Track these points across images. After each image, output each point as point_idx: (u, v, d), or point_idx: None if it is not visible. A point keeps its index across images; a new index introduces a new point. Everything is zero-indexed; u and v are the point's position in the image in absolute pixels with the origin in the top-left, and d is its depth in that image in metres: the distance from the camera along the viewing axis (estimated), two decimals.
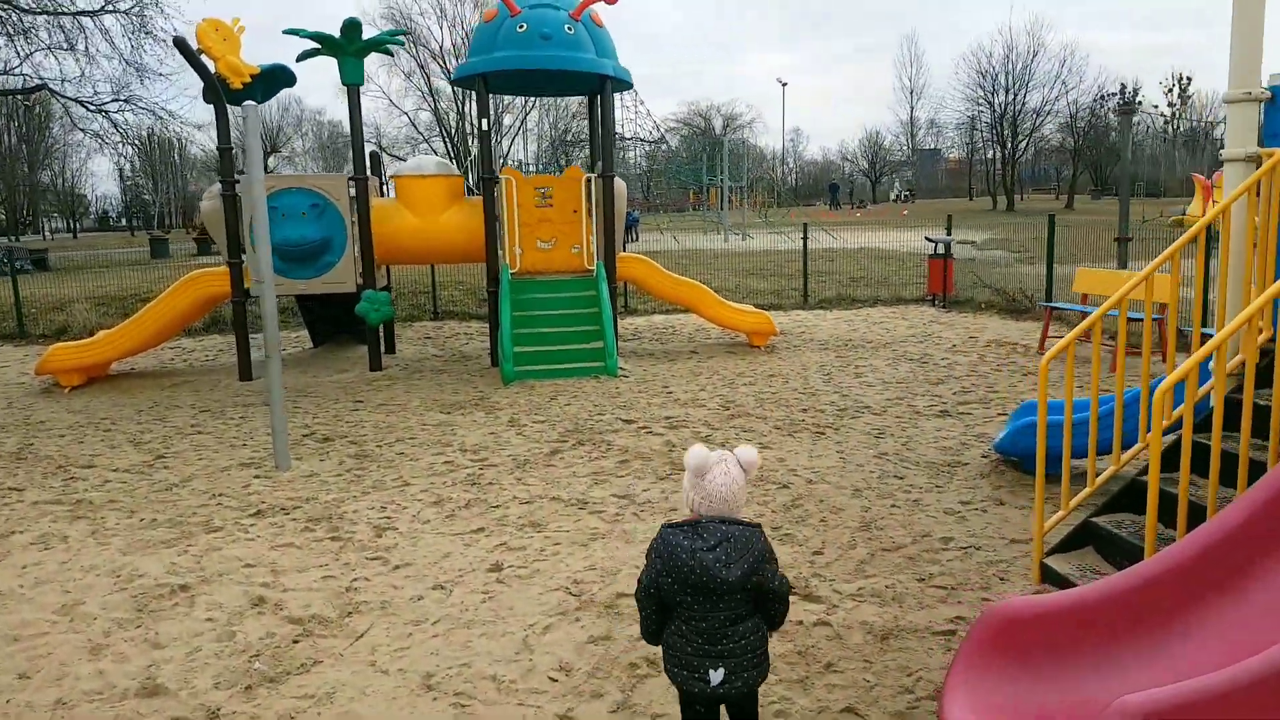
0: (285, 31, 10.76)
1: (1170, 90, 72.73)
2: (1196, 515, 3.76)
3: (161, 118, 31.54)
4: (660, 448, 7.27)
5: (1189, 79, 74.37)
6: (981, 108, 64.43)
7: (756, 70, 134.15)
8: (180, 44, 9.88)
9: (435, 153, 54.19)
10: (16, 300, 15.37)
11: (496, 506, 5.94)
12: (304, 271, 11.00)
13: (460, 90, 49.13)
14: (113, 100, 30.16)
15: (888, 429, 7.71)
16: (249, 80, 10.43)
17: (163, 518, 5.90)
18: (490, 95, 12.00)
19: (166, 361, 12.45)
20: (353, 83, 10.92)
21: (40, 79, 29.93)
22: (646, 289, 12.44)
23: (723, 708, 2.90)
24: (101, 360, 11.02)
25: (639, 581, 2.81)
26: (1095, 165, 70.55)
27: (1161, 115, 70.27)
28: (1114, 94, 66.97)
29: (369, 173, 11.67)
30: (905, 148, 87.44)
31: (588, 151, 48.91)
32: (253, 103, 6.89)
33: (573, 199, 11.42)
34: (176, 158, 66.83)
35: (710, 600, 2.66)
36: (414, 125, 57.32)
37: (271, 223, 10.74)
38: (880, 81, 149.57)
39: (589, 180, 11.31)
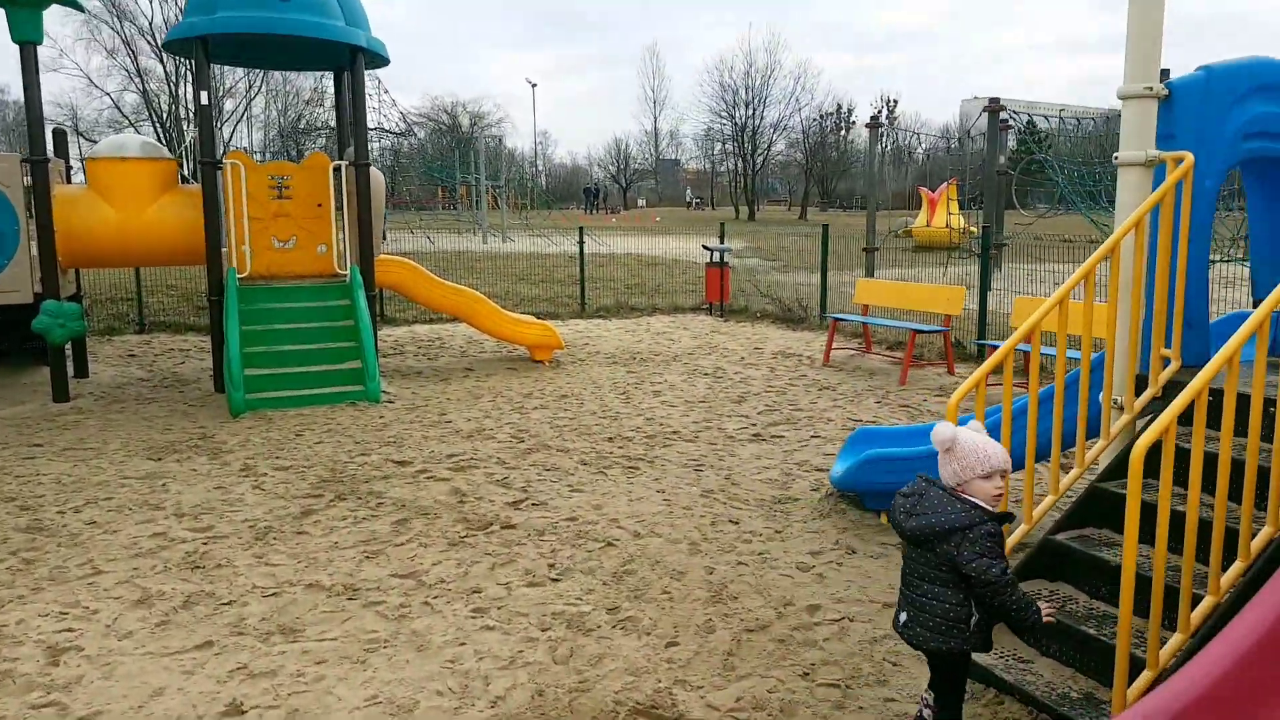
0: None
1: (880, 111, 79.26)
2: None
3: None
4: (447, 498, 5.89)
5: (896, 101, 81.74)
6: (724, 121, 66.95)
7: (499, 70, 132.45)
8: None
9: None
10: None
11: (229, 603, 4.35)
12: None
13: (175, 68, 43.87)
14: None
15: (705, 459, 6.80)
16: None
17: None
18: (212, 66, 9.98)
19: None
20: (27, 40, 8.59)
21: None
22: (413, 297, 10.87)
23: None
24: None
25: None
26: (822, 179, 75.37)
27: (881, 134, 76.47)
28: (831, 113, 72.43)
29: (52, 154, 9.35)
30: (650, 157, 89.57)
31: (323, 142, 45.28)
32: None
33: (317, 191, 9.70)
34: None
35: (908, 546, 2.88)
36: (118, 108, 50.61)
37: None
38: (626, 89, 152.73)
39: (338, 168, 9.63)
